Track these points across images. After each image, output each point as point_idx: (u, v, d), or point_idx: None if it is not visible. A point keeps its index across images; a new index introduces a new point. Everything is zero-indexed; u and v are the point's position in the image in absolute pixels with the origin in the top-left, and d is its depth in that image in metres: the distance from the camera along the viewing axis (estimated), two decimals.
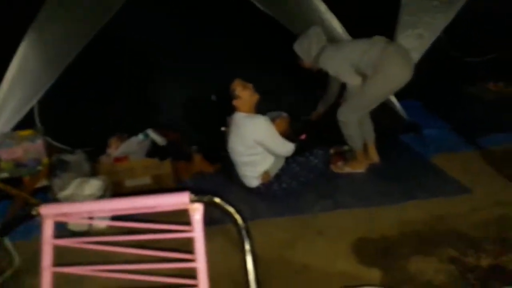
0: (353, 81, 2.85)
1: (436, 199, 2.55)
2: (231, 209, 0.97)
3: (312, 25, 3.01)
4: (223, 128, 3.08)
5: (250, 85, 2.71)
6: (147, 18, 3.42)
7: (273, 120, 2.83)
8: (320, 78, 3.15)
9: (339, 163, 3.04)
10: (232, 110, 2.75)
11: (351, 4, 3.43)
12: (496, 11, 4.05)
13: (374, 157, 3.07)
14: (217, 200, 1.00)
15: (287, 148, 2.73)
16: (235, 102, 2.69)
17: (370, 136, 3.05)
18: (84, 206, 1.08)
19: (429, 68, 3.58)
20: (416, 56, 3.57)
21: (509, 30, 4.22)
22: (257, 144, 2.64)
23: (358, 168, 3.00)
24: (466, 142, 3.18)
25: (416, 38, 3.57)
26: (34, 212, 1.02)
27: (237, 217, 0.95)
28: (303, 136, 3.00)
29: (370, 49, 2.76)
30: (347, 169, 3.00)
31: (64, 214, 1.04)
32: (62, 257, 1.14)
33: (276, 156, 2.74)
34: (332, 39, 3.12)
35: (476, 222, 2.28)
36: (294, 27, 3.33)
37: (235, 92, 2.68)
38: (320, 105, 3.33)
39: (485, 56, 4.43)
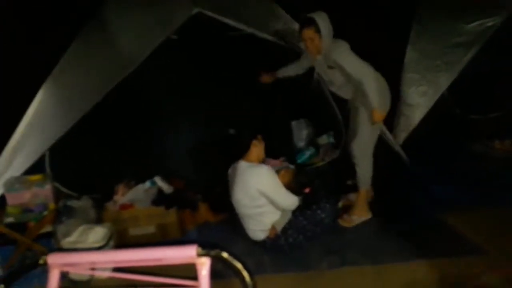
0: (373, 76, 2.67)
1: (448, 259, 2.47)
2: (239, 265, 0.96)
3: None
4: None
5: (263, 144, 2.76)
6: (155, 66, 3.59)
7: (277, 171, 2.81)
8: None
9: (345, 216, 2.99)
10: (246, 148, 2.72)
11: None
12: (499, 71, 4.18)
13: (370, 193, 3.13)
14: (225, 255, 0.98)
15: (291, 200, 2.67)
16: (254, 142, 2.69)
17: None
18: (91, 256, 1.08)
19: (433, 125, 3.64)
20: (420, 112, 3.66)
21: None
22: (260, 194, 2.60)
23: (364, 214, 2.95)
24: (475, 200, 3.13)
25: (420, 96, 3.68)
26: (41, 261, 1.01)
27: (245, 274, 0.94)
28: (307, 190, 2.95)
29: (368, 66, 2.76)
30: (355, 219, 2.94)
31: (71, 264, 1.03)
32: None
33: (281, 209, 2.70)
34: None
35: (490, 284, 2.19)
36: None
37: (257, 136, 2.72)
38: (283, 71, 3.20)
39: (489, 114, 4.50)
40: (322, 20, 2.69)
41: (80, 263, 1.03)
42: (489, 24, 3.60)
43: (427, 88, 3.67)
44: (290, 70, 3.20)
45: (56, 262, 1.00)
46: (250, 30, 3.24)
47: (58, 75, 3.14)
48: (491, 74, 4.17)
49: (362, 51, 2.72)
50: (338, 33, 2.76)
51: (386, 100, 2.86)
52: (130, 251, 1.10)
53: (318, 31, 2.67)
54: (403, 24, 3.76)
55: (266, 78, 3.28)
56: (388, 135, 3.48)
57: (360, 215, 2.96)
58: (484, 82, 4.18)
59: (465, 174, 3.53)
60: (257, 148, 2.71)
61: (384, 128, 3.30)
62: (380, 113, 2.72)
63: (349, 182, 3.27)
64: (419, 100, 3.66)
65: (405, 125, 3.67)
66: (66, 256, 1.03)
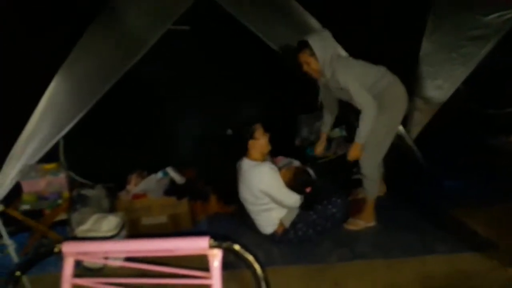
0: (373, 103, 2.55)
1: (459, 254, 2.45)
2: (250, 258, 0.96)
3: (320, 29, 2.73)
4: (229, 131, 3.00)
5: (268, 135, 2.71)
6: (164, 58, 3.58)
7: (280, 168, 2.79)
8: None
9: (351, 219, 2.91)
10: (244, 149, 2.72)
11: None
12: None
13: (382, 189, 3.10)
14: (236, 247, 0.99)
15: (293, 199, 2.65)
16: (251, 142, 2.68)
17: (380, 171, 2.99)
18: (105, 246, 1.10)
19: (447, 119, 3.57)
20: (434, 106, 3.60)
21: None
22: (263, 194, 2.61)
23: (370, 220, 2.88)
24: (488, 195, 3.08)
25: (435, 89, 3.61)
26: (56, 250, 1.04)
27: (257, 266, 0.94)
28: (308, 189, 2.86)
29: (381, 78, 2.62)
30: (361, 223, 2.87)
31: (85, 253, 1.05)
32: None
33: (284, 207, 2.69)
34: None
35: (501, 280, 2.17)
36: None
37: (254, 133, 2.69)
38: (322, 129, 3.11)
39: (505, 109, 4.41)
40: (317, 41, 2.55)
41: (94, 252, 1.05)
42: (508, 16, 3.50)
43: (442, 82, 3.59)
44: (329, 114, 3.05)
45: (71, 251, 1.02)
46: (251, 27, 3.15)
47: (70, 65, 3.15)
48: (508, 68, 4.07)
49: (377, 44, 2.67)
50: (354, 25, 2.70)
51: (402, 107, 2.77)
52: (143, 241, 1.11)
53: (312, 54, 2.57)
54: (419, 16, 3.69)
55: (321, 145, 3.13)
56: (402, 131, 3.43)
57: (366, 221, 2.89)
58: (501, 77, 4.09)
59: (479, 169, 3.47)
60: (257, 145, 2.68)
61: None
62: (358, 149, 2.64)
63: (356, 177, 3.23)
64: (434, 94, 3.60)
65: (418, 119, 3.62)
66: (80, 245, 1.05)
